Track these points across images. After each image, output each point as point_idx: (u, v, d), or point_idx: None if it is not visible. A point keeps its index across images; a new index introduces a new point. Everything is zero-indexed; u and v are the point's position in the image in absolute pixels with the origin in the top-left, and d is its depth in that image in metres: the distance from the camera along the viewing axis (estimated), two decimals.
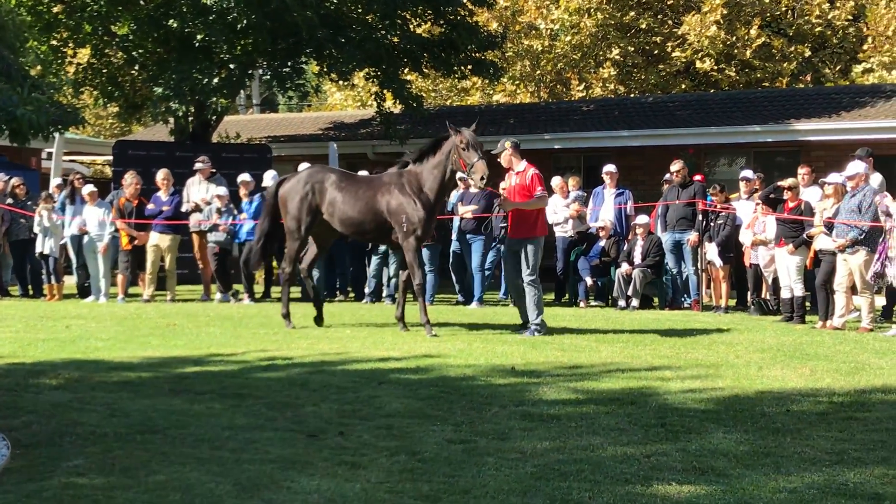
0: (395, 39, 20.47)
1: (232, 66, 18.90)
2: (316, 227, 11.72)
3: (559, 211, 15.95)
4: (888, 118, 18.85)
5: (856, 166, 12.36)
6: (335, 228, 11.68)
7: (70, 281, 17.16)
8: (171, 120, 21.08)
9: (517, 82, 29.75)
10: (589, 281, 15.78)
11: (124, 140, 24.61)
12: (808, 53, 28.17)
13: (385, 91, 21.16)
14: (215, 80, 18.23)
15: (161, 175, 16.25)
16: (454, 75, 22.78)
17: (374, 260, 15.96)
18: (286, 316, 11.80)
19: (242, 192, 16.26)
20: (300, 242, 11.74)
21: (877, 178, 13.23)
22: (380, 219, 11.31)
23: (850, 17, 28.43)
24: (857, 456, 5.74)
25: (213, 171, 16.72)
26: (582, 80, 28.86)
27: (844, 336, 11.42)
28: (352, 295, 16.63)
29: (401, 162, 11.62)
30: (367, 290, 16.08)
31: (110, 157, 22.09)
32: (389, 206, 11.22)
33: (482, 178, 10.77)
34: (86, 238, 16.01)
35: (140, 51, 19.51)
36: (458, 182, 15.72)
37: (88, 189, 16.25)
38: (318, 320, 11.97)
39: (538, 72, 29.74)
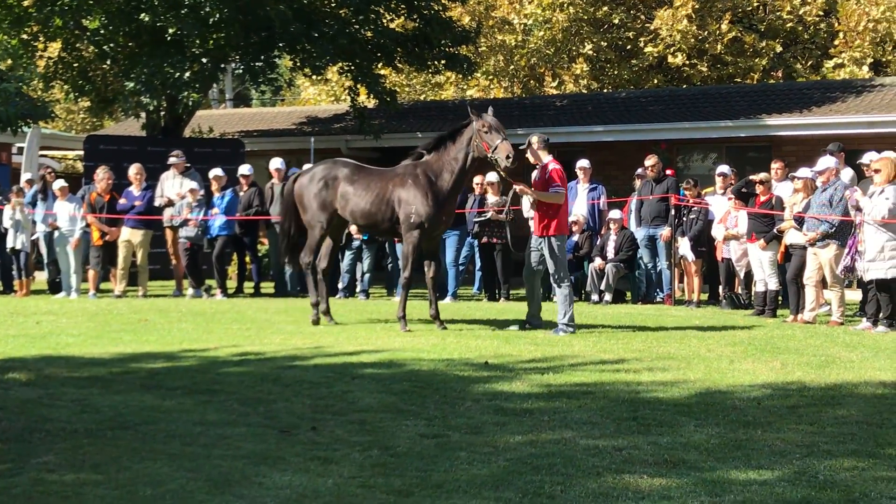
0: (369, 34, 20.42)
1: (204, 60, 18.79)
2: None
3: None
4: (859, 113, 18.99)
5: (826, 161, 12.45)
6: (347, 221, 11.54)
7: (41, 276, 17.02)
8: (143, 114, 20.95)
9: (491, 77, 29.76)
10: None
11: (95, 135, 24.47)
12: (779, 49, 28.32)
13: (359, 86, 21.12)
14: (187, 75, 18.12)
15: (133, 170, 16.15)
16: (428, 70, 22.77)
17: (348, 255, 15.93)
18: (316, 305, 11.57)
19: (214, 187, 16.18)
20: (321, 236, 11.55)
21: (847, 173, 13.33)
22: (391, 211, 11.09)
23: (821, 13, 28.60)
24: (827, 448, 5.78)
25: (188, 165, 16.63)
26: (555, 75, 28.91)
27: (815, 330, 11.50)
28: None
29: (415, 153, 11.36)
30: (340, 286, 16.04)
31: (81, 152, 21.92)
32: (400, 197, 10.99)
33: (508, 158, 10.49)
34: (56, 233, 15.90)
35: (111, 45, 19.35)
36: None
37: (59, 184, 16.13)
38: (326, 314, 11.70)
39: (512, 67, 29.76)
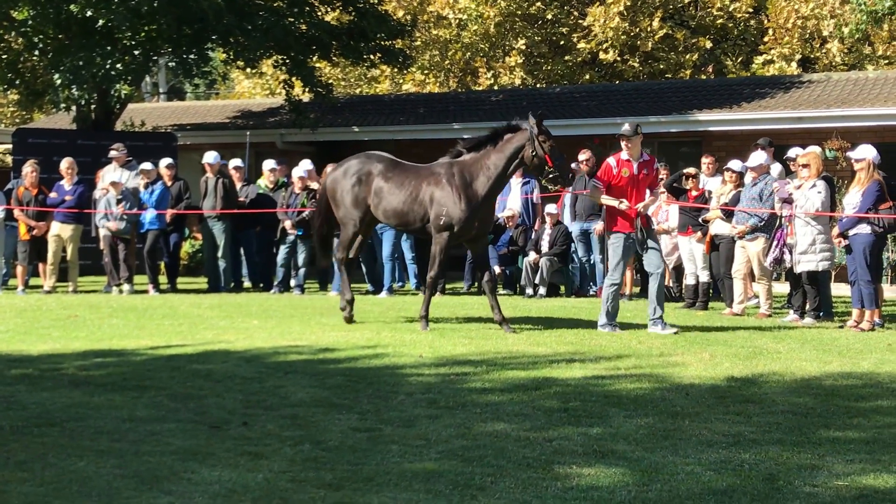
0: (304, 27, 20.31)
1: (136, 52, 18.54)
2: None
3: None
4: (787, 109, 19.33)
5: (758, 157, 12.66)
6: (378, 219, 11.12)
7: None
8: (73, 108, 20.61)
9: (426, 71, 29.78)
10: (497, 269, 15.87)
11: (24, 128, 23.98)
12: (709, 45, 28.72)
13: (294, 79, 20.99)
14: (118, 67, 17.86)
15: (65, 164, 15.88)
16: (363, 64, 22.71)
17: (283, 249, 15.83)
18: (350, 302, 11.03)
19: (143, 180, 15.95)
20: (355, 232, 11.13)
21: (776, 168, 13.55)
22: (424, 211, 10.61)
23: (750, 10, 29.07)
24: (753, 438, 5.89)
25: (129, 158, 16.41)
26: (490, 68, 29.02)
27: (744, 322, 11.69)
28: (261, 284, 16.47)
29: (453, 151, 10.80)
30: (275, 281, 15.94)
31: (10, 146, 21.49)
32: (433, 196, 10.51)
33: (572, 178, 10.25)
34: None
35: (40, 36, 19.01)
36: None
37: None
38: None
39: (447, 61, 29.81)
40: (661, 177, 14.80)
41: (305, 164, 16.39)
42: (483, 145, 10.59)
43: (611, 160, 10.78)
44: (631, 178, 10.62)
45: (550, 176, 10.52)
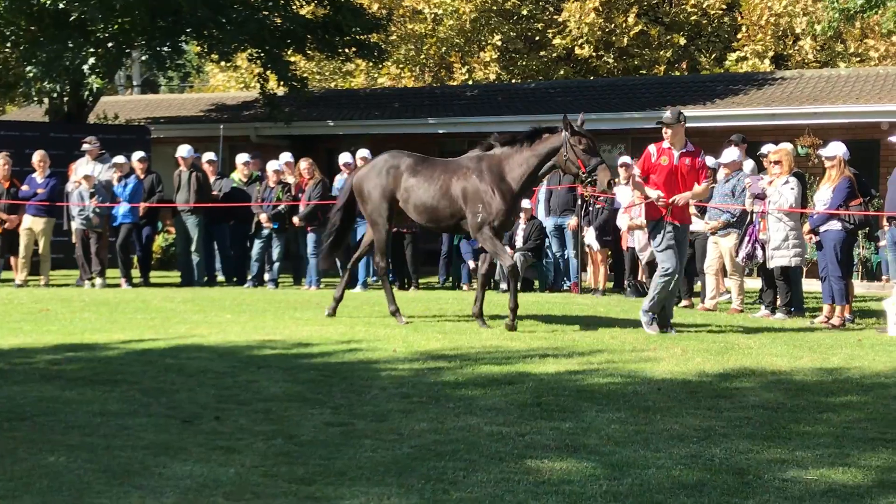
0: (278, 20, 20.25)
1: (109, 44, 18.41)
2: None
3: None
4: (760, 105, 19.47)
5: (731, 153, 12.74)
6: (409, 216, 10.72)
7: None
8: (46, 100, 20.46)
9: (401, 66, 29.76)
10: (472, 264, 15.90)
11: None
12: (683, 42, 28.86)
13: (268, 72, 20.92)
14: (91, 60, 17.74)
15: (37, 157, 15.78)
16: (338, 58, 22.67)
17: (257, 244, 15.79)
18: (395, 313, 10.69)
19: (117, 174, 15.86)
20: (386, 232, 10.77)
21: (749, 165, 13.63)
22: (455, 206, 10.27)
23: (724, 7, 29.24)
24: (723, 432, 5.93)
25: (102, 151, 16.31)
26: (465, 63, 29.04)
27: (716, 317, 11.76)
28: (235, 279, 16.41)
29: (485, 143, 10.50)
30: (249, 275, 15.89)
31: None
32: (466, 191, 10.18)
33: (610, 185, 9.92)
34: None
35: (13, 28, 18.85)
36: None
37: None
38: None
39: (422, 56, 29.80)
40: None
41: (286, 157, 16.38)
42: (518, 142, 10.26)
43: (651, 147, 10.29)
44: (670, 168, 10.06)
45: (586, 181, 10.18)
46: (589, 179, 10.01)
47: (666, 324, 10.12)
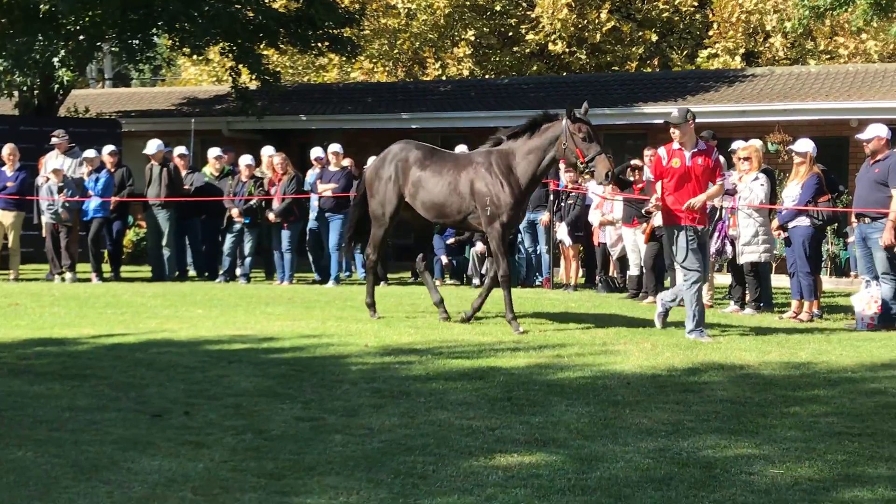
0: (251, 14, 20.15)
1: (80, 37, 18.26)
2: (404, 211, 10.55)
3: None
4: (731, 102, 19.58)
5: None
6: (416, 210, 10.44)
7: None
8: (16, 93, 20.28)
9: (375, 60, 29.71)
10: (444, 259, 15.94)
11: None
12: (655, 38, 28.98)
13: (241, 66, 20.83)
14: (61, 53, 17.59)
15: (7, 150, 15.64)
16: (311, 52, 22.60)
17: (229, 238, 15.73)
18: (371, 305, 10.67)
19: (87, 168, 15.75)
20: (385, 228, 10.60)
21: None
22: (464, 202, 10.09)
23: (695, 4, 29.39)
24: (691, 426, 5.98)
25: (72, 145, 16.19)
26: (438, 59, 29.04)
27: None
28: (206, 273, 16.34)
29: (493, 139, 10.30)
30: (220, 269, 15.82)
31: None
32: (474, 187, 10.00)
33: (607, 176, 9.63)
34: None
35: None
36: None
37: None
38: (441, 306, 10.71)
39: (395, 51, 29.77)
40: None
41: (268, 150, 16.37)
42: (522, 134, 10.05)
43: (661, 150, 9.76)
44: (683, 169, 9.50)
45: (584, 171, 9.98)
46: (587, 170, 9.91)
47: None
